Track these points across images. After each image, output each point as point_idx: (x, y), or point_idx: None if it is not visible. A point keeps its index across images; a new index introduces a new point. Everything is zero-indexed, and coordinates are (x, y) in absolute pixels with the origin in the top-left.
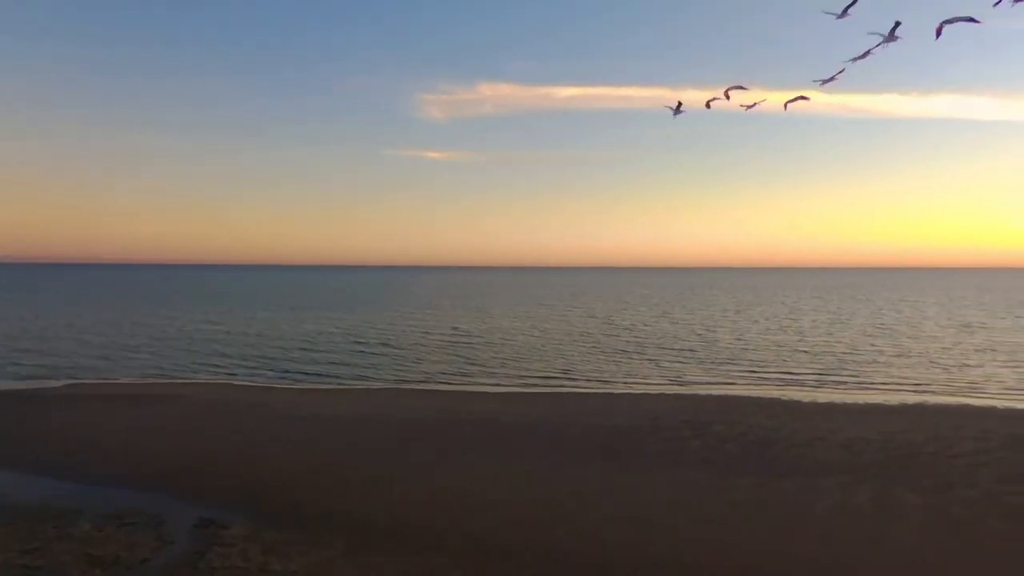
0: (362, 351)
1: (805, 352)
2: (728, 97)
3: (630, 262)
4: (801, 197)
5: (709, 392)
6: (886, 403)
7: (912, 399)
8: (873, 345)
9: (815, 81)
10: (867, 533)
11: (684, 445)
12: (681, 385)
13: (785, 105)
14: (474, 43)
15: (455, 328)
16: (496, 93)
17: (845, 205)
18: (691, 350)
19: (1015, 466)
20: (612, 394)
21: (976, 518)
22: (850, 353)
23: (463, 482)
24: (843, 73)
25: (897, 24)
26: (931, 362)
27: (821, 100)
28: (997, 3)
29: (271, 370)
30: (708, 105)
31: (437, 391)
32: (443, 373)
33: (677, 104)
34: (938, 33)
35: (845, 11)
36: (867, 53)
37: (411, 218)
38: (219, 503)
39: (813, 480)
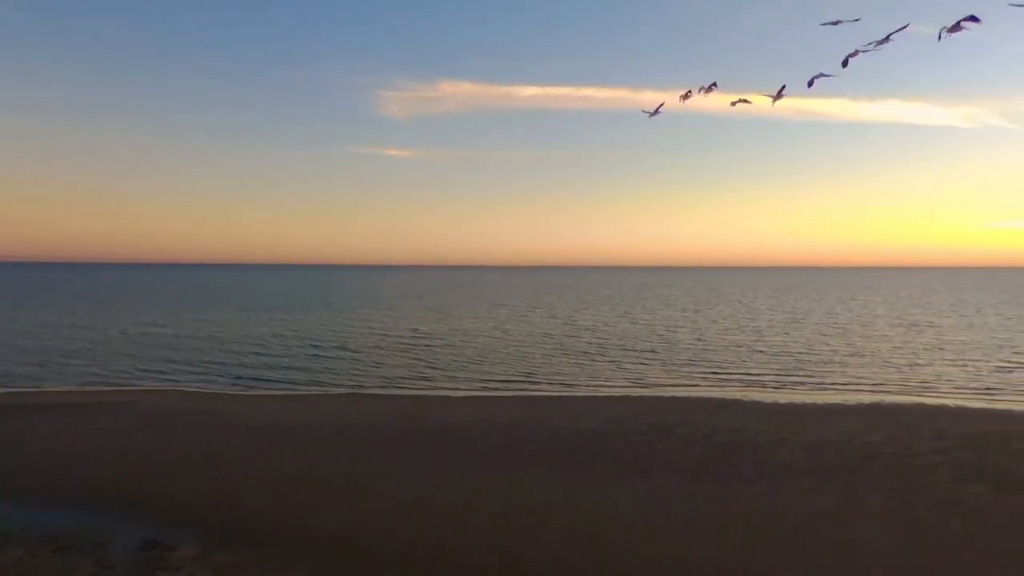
0: (319, 355)
1: (763, 352)
2: (705, 93)
3: (590, 261)
4: (753, 198)
5: (673, 394)
6: (844, 403)
7: (868, 399)
8: (828, 345)
9: (811, 79)
10: (835, 540)
11: (651, 449)
12: (644, 387)
13: (733, 103)
14: (435, 40)
15: (415, 329)
16: (458, 91)
17: (796, 206)
18: (652, 351)
19: (970, 465)
20: (576, 397)
21: (939, 520)
22: (806, 353)
23: (426, 494)
24: (825, 76)
25: (903, 27)
26: (884, 361)
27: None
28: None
29: (222, 376)
30: (683, 98)
31: (397, 396)
32: (403, 377)
33: (658, 107)
34: (939, 37)
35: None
36: (856, 52)
37: (371, 216)
38: (166, 522)
39: (779, 484)
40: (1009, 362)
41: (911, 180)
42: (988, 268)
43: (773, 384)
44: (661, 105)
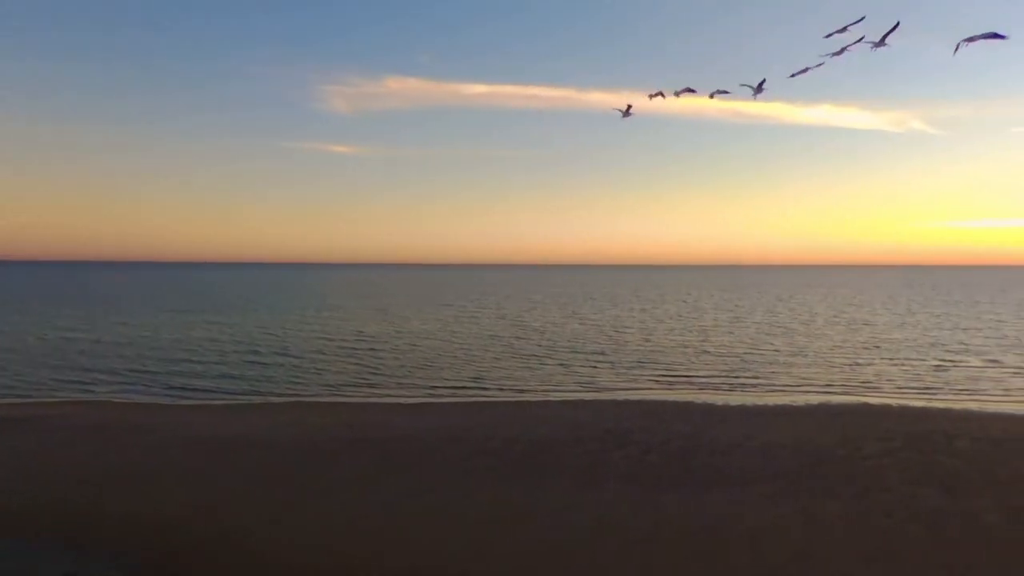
0: (256, 361)
1: (709, 352)
2: (677, 96)
3: (537, 259)
4: (695, 198)
5: (627, 397)
6: (793, 404)
7: (816, 399)
8: (771, 344)
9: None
10: (795, 550)
11: (607, 457)
12: (597, 391)
13: (677, 93)
14: (381, 35)
15: (360, 332)
16: (404, 87)
17: (735, 205)
18: (602, 352)
19: (919, 467)
20: (529, 402)
21: (896, 526)
22: (752, 353)
23: (376, 512)
24: (810, 70)
25: (895, 26)
26: (826, 361)
27: (715, 105)
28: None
29: (153, 385)
30: (651, 97)
31: (342, 404)
32: (347, 384)
33: (627, 107)
34: (956, 49)
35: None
36: (843, 50)
37: (314, 213)
38: (90, 553)
39: (738, 492)
40: (944, 361)
41: (843, 181)
42: (914, 266)
43: (723, 386)
44: (630, 107)
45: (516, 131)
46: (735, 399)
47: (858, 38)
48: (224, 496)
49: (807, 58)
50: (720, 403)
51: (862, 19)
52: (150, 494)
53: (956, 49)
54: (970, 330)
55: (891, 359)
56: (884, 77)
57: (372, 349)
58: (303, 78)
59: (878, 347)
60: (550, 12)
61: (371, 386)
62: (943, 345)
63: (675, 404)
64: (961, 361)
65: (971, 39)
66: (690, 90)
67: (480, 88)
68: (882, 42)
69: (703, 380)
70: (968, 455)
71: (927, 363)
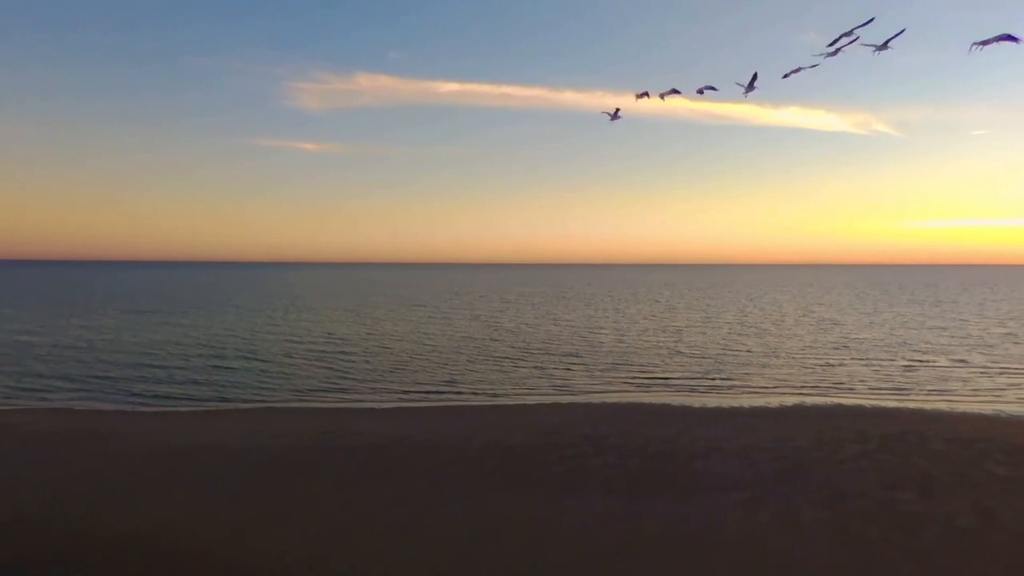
0: (222, 365)
1: (683, 353)
2: (663, 97)
3: (509, 258)
4: (667, 197)
5: (603, 400)
6: (768, 406)
7: (791, 401)
8: (744, 345)
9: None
10: (778, 559)
11: (586, 464)
12: (572, 394)
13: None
14: (352, 32)
15: (330, 334)
16: (375, 85)
17: (705, 203)
18: (576, 354)
19: (895, 470)
20: (504, 407)
21: (876, 532)
22: (725, 353)
23: (350, 524)
24: (803, 70)
25: (900, 32)
26: (799, 362)
27: (687, 105)
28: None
29: (115, 392)
30: (639, 98)
31: (311, 410)
32: (318, 389)
33: (615, 110)
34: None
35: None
36: (837, 51)
37: (283, 211)
38: (41, 570)
39: (717, 498)
40: (912, 361)
41: (810, 182)
42: (877, 265)
43: (698, 388)
44: (618, 110)
45: (488, 130)
46: (711, 401)
47: (853, 39)
48: (189, 509)
49: (780, 59)
50: (697, 405)
51: (871, 20)
52: (110, 507)
53: (970, 49)
54: (935, 329)
55: (861, 359)
56: (850, 81)
57: (343, 352)
58: (274, 75)
59: (848, 347)
60: (523, 12)
61: (342, 391)
62: (910, 345)
63: (651, 407)
64: (929, 361)
65: (986, 42)
66: (675, 91)
67: (452, 87)
68: (884, 46)
69: (678, 382)
70: (941, 456)
71: (896, 363)
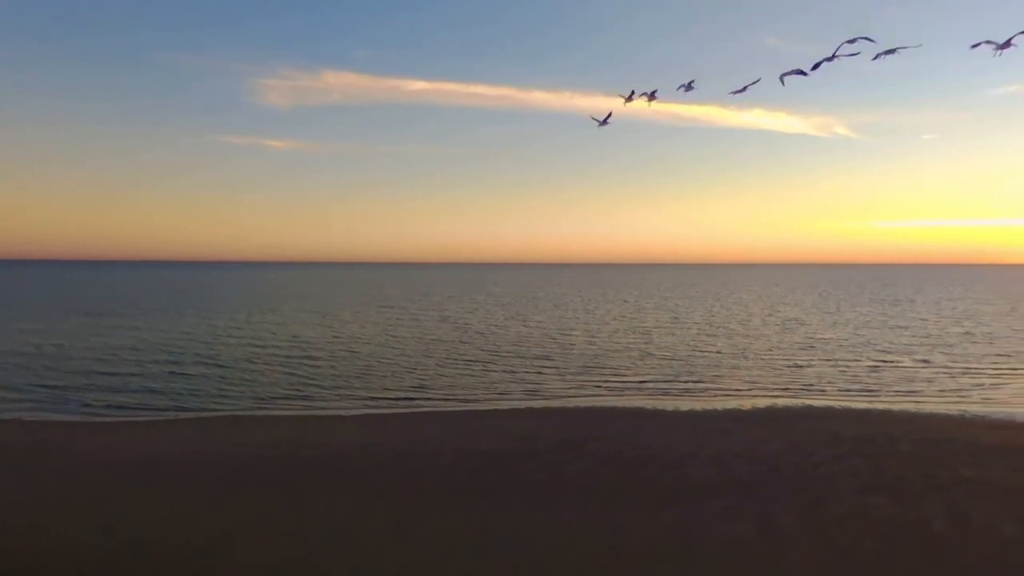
0: (182, 371)
1: (654, 355)
2: (649, 100)
3: (478, 258)
4: (634, 196)
5: (576, 405)
6: (741, 409)
7: (763, 403)
8: (713, 346)
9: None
10: (758, 568)
11: (561, 472)
12: (545, 399)
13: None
14: (319, 28)
15: (295, 337)
16: (342, 82)
17: (667, 203)
18: (548, 357)
19: (867, 473)
20: (477, 412)
21: (854, 540)
22: (695, 355)
23: (322, 541)
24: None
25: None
26: (768, 364)
27: (653, 107)
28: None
29: (68, 401)
30: (627, 101)
31: (275, 418)
32: (281, 397)
33: (608, 114)
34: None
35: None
36: (834, 56)
37: (250, 210)
38: None
39: (696, 506)
40: (878, 361)
41: (772, 182)
42: (834, 264)
43: (671, 391)
44: (610, 114)
45: (457, 129)
46: (684, 404)
47: (851, 53)
48: (149, 527)
49: (748, 63)
50: (670, 409)
51: (869, 38)
52: (61, 526)
53: (996, 53)
54: (897, 329)
55: (828, 359)
56: (811, 84)
57: (308, 357)
58: (239, 72)
59: (814, 347)
60: (490, 12)
61: (307, 398)
62: (874, 344)
63: (625, 411)
64: (894, 361)
65: (890, 51)
66: (650, 96)
67: (420, 85)
68: (890, 51)
69: (651, 385)
70: (912, 459)
71: (862, 364)
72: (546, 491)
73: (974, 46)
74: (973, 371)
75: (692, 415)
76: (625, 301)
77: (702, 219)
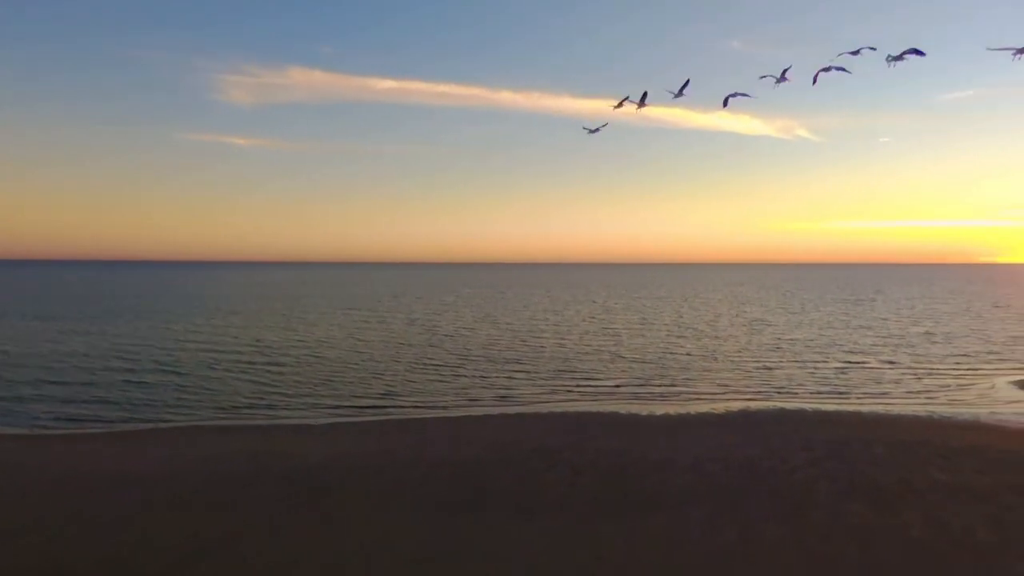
0: (138, 380)
1: (625, 358)
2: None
3: (447, 258)
4: (602, 197)
5: (551, 410)
6: (715, 413)
7: (736, 406)
8: (684, 348)
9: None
10: None
11: (539, 481)
12: (519, 404)
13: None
14: (279, 23)
15: (258, 341)
16: (308, 79)
17: (633, 203)
18: (519, 361)
19: (843, 479)
20: (449, 420)
21: (836, 550)
22: (666, 357)
23: (290, 561)
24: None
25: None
26: (738, 366)
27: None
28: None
29: (8, 413)
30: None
31: (239, 428)
32: (244, 406)
33: (602, 125)
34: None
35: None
36: (830, 69)
37: (211, 208)
38: None
39: (676, 516)
40: (845, 362)
41: (735, 183)
42: (796, 263)
43: (644, 395)
44: (605, 125)
45: (425, 128)
46: (658, 409)
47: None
48: (105, 550)
49: (709, 64)
50: (644, 414)
51: (864, 51)
52: (8, 550)
53: (888, 62)
54: (860, 329)
55: (797, 361)
56: (770, 87)
57: (272, 362)
58: (199, 66)
59: (782, 348)
60: (462, 11)
61: (272, 407)
62: (840, 345)
63: (600, 417)
64: (860, 362)
65: (899, 56)
66: (640, 102)
67: (388, 83)
68: (900, 57)
69: (624, 390)
70: (886, 463)
71: (830, 365)
72: (524, 502)
73: (992, 50)
74: (937, 372)
75: (667, 420)
76: (593, 302)
77: (666, 219)
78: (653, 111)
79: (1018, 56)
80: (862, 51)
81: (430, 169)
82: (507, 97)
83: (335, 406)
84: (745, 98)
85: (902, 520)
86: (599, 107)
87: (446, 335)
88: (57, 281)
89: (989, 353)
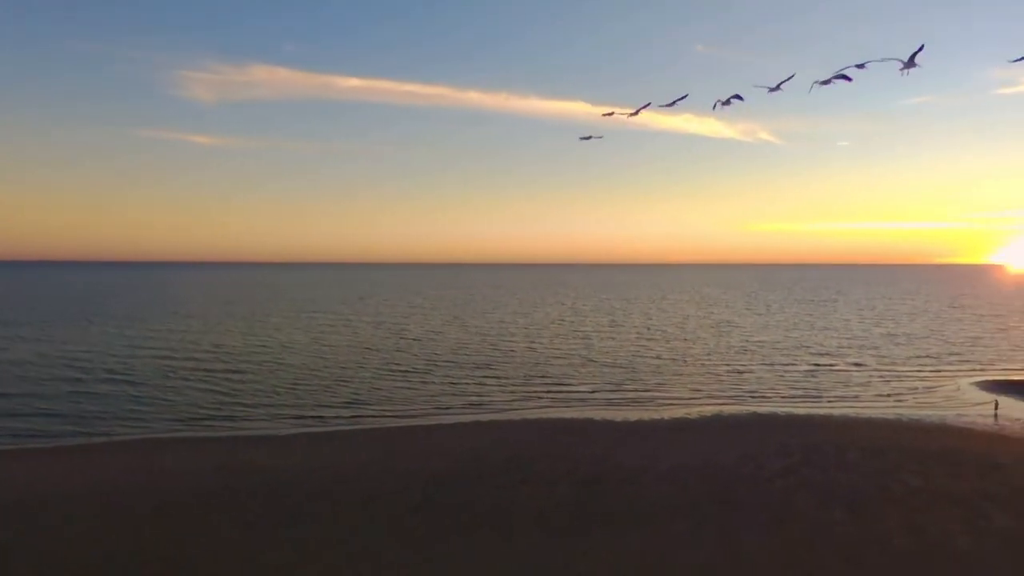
0: (85, 390)
1: (595, 362)
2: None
3: (413, 258)
4: (564, 197)
5: (524, 417)
6: (688, 418)
7: (709, 411)
8: (653, 351)
9: (760, 87)
10: None
11: (514, 494)
12: (491, 412)
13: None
14: (242, 19)
15: (218, 346)
16: (273, 77)
17: (601, 204)
18: (488, 365)
19: (821, 486)
20: (420, 428)
21: (817, 561)
22: (636, 360)
23: None
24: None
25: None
26: (708, 369)
27: (584, 109)
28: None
29: None
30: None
31: (200, 441)
32: (202, 417)
33: (598, 135)
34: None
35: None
36: (829, 81)
37: (173, 207)
38: None
39: (656, 530)
40: (812, 365)
41: (700, 184)
42: (759, 264)
43: (616, 400)
44: (600, 137)
45: (393, 127)
46: (632, 415)
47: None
48: None
49: (673, 65)
50: (619, 420)
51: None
52: None
53: (811, 88)
54: (825, 330)
55: (766, 364)
56: (738, 89)
57: (233, 370)
58: (164, 64)
59: (751, 351)
60: (428, 9)
61: (232, 418)
62: (807, 347)
63: (573, 424)
64: (827, 365)
65: (825, 81)
66: (634, 112)
67: (354, 82)
68: (911, 63)
69: (596, 395)
70: (861, 469)
71: (799, 368)
72: (498, 518)
73: (1015, 60)
74: (903, 375)
75: (640, 426)
76: (562, 304)
77: (630, 221)
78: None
79: (819, 86)
80: (867, 65)
81: (397, 169)
82: (475, 97)
83: (299, 416)
84: (738, 100)
85: (883, 529)
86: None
87: (414, 339)
88: (5, 284)
89: (950, 354)
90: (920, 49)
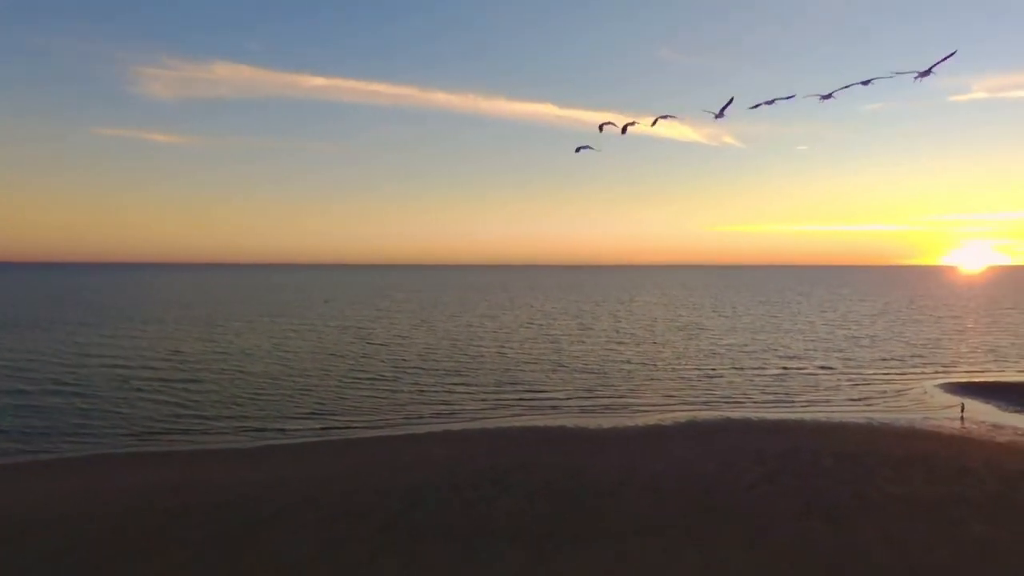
0: (28, 403)
1: (566, 367)
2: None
3: (380, 259)
4: (523, 198)
5: (497, 425)
6: (662, 424)
7: (683, 417)
8: (624, 355)
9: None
10: None
11: (491, 508)
12: (464, 420)
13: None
14: (208, 14)
15: (176, 353)
16: (235, 75)
17: (564, 205)
18: (458, 372)
19: (799, 494)
20: (390, 439)
21: (799, 573)
22: (608, 364)
23: None
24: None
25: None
26: (679, 374)
27: (555, 113)
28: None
29: None
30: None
31: (155, 456)
32: (155, 432)
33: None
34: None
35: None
36: (830, 95)
37: (129, 207)
38: None
39: (637, 545)
40: (781, 368)
41: (666, 186)
42: (722, 266)
43: (590, 407)
44: (599, 151)
45: (355, 126)
46: (606, 422)
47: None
48: None
49: (640, 70)
50: (593, 427)
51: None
52: None
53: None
54: (790, 332)
55: (736, 367)
56: (697, 96)
57: (191, 379)
58: (120, 59)
59: (720, 354)
60: (395, 9)
61: (190, 431)
62: (775, 350)
63: (548, 432)
64: (796, 368)
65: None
66: (623, 128)
67: (318, 81)
68: (928, 72)
69: (570, 402)
70: (837, 475)
71: (768, 371)
72: (474, 535)
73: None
74: (872, 379)
75: (616, 434)
76: (531, 306)
77: (599, 222)
78: (586, 114)
79: (919, 78)
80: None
81: (360, 168)
82: (440, 98)
83: (262, 428)
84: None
85: (863, 540)
86: (534, 110)
87: (380, 344)
88: None
89: (913, 356)
90: (950, 56)
